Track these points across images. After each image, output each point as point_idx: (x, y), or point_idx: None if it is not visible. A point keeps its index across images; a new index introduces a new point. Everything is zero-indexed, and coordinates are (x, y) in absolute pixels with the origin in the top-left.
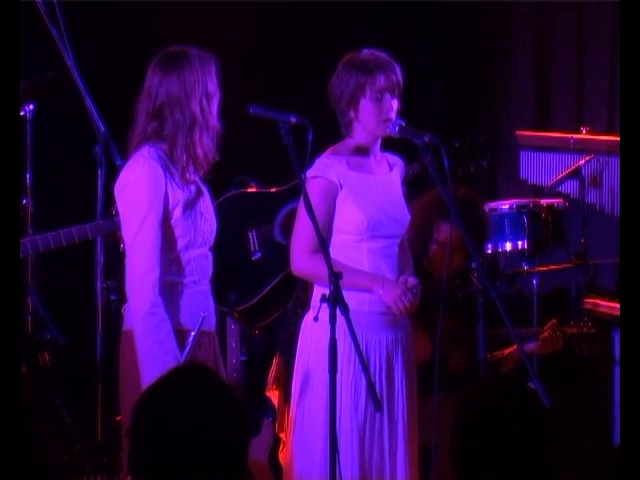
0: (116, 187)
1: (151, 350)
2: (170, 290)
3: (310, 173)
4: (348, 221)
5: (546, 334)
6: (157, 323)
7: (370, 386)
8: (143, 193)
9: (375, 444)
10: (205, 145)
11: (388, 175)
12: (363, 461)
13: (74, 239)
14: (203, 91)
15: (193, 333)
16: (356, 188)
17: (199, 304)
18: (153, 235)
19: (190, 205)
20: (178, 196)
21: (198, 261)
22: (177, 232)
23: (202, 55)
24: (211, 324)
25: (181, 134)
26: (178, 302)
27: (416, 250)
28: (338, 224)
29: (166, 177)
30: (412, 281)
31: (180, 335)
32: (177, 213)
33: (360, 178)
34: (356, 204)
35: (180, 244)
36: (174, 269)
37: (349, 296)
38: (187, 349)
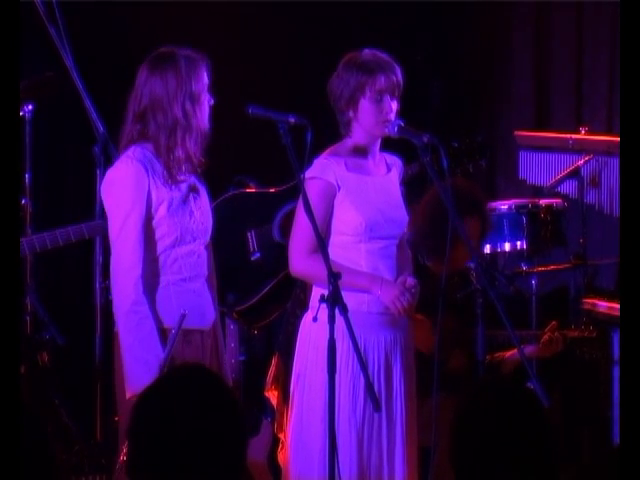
0: (102, 187)
1: (132, 348)
2: (156, 288)
3: (308, 174)
4: (346, 222)
5: (546, 337)
6: (138, 321)
7: (369, 386)
8: (126, 192)
9: (374, 444)
10: (188, 147)
11: (386, 176)
12: (361, 461)
13: (71, 239)
14: (187, 93)
15: (173, 331)
16: (354, 189)
17: (187, 302)
18: (136, 233)
19: (178, 203)
20: (163, 195)
21: (187, 258)
22: (162, 230)
23: (190, 56)
24: (205, 322)
25: (163, 136)
26: (164, 300)
27: (431, 250)
28: (336, 225)
29: (149, 176)
30: (410, 281)
31: (166, 334)
32: (162, 211)
33: (358, 179)
34: (354, 206)
35: (166, 242)
36: (160, 267)
37: (348, 296)
38: (167, 347)
